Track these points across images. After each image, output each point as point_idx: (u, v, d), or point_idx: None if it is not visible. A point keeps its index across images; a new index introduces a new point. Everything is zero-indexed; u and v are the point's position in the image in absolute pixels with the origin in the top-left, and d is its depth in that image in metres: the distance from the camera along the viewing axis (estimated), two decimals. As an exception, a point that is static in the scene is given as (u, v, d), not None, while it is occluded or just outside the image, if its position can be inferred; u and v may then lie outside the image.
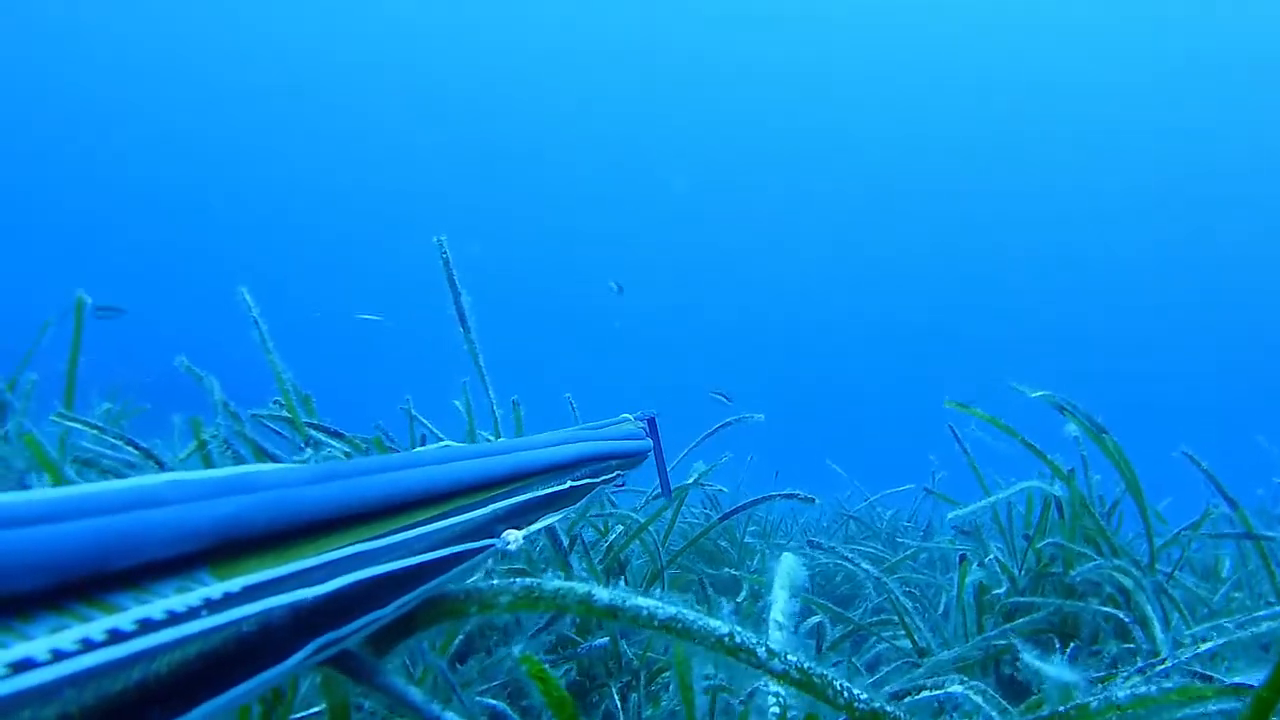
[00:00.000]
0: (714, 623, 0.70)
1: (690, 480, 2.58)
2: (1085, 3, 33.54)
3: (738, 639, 0.68)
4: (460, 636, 1.74)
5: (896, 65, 37.34)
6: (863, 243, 40.14)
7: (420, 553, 0.73)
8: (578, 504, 1.25)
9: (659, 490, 2.48)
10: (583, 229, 42.86)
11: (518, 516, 0.97)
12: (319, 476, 0.64)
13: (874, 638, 2.31)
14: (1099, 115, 35.73)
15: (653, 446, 2.20)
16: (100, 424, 1.87)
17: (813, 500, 2.71)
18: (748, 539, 2.90)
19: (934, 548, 2.73)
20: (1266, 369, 31.06)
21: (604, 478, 1.43)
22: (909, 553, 2.61)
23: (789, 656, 0.68)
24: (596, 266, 42.07)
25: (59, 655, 0.38)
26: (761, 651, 0.68)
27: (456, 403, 2.54)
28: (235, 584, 0.50)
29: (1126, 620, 1.89)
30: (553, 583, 0.74)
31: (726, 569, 2.51)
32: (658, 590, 2.31)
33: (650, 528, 2.31)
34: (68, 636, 0.39)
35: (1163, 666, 1.43)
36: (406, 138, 40.67)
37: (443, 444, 1.01)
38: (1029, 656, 1.05)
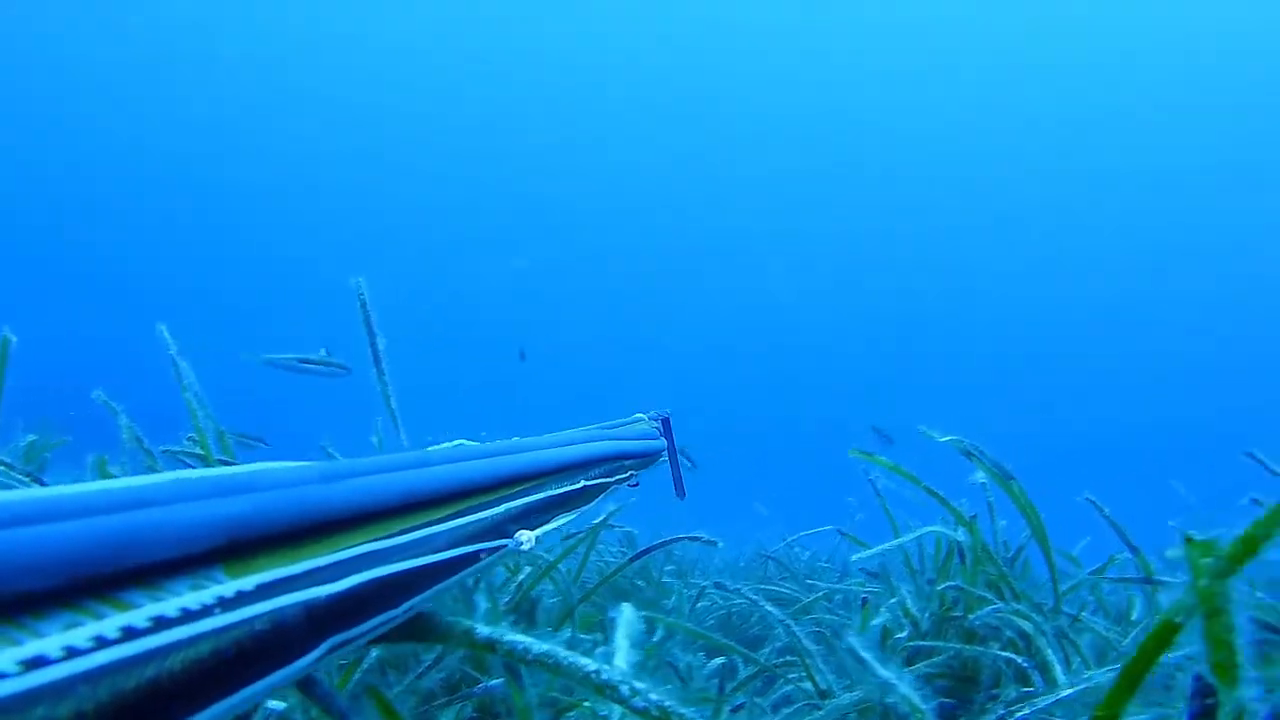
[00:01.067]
0: (583, 660, 0.74)
1: (598, 520, 2.58)
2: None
3: (603, 676, 0.72)
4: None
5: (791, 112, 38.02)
6: (794, 279, 40.46)
7: (433, 552, 0.72)
8: (591, 503, 1.25)
9: (574, 530, 2.47)
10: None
11: (531, 516, 0.97)
12: (332, 475, 0.64)
13: (781, 679, 2.34)
14: (998, 177, 36.89)
15: (666, 446, 2.20)
16: (9, 460, 1.80)
17: (715, 543, 2.74)
18: (665, 578, 2.91)
19: (845, 589, 2.79)
20: (1194, 411, 31.95)
21: (617, 477, 1.44)
22: (821, 594, 2.67)
23: (650, 695, 0.73)
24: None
25: (73, 652, 0.38)
26: (625, 689, 0.72)
27: (373, 438, 2.51)
28: (248, 582, 0.50)
29: (1025, 665, 1.94)
30: (439, 617, 0.75)
31: (642, 610, 2.51)
32: (568, 630, 2.31)
33: (562, 566, 2.30)
34: (81, 634, 0.39)
35: (1045, 701, 1.49)
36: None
37: (456, 443, 1.00)
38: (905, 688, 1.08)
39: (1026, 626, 2.01)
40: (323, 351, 3.84)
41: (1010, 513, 2.30)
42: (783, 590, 2.96)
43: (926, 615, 2.30)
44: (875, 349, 39.17)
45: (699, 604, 2.79)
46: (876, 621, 2.23)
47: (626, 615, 0.99)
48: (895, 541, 2.34)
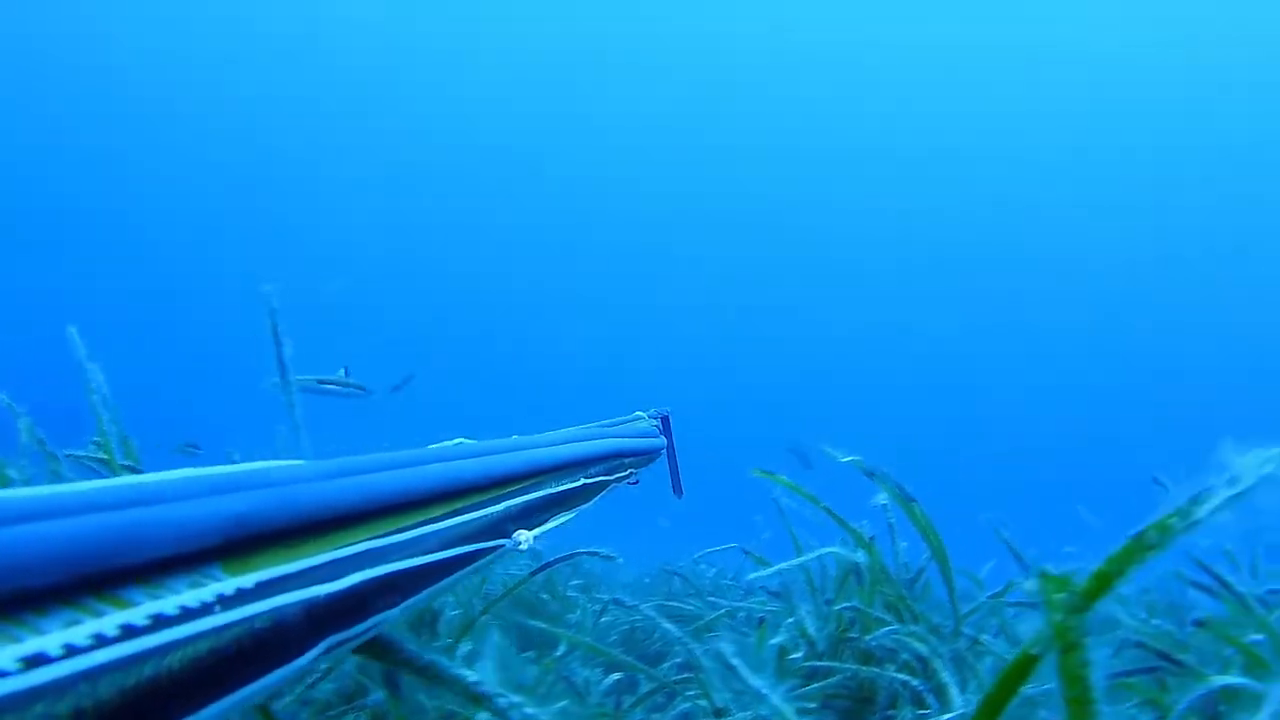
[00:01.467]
0: (465, 672, 0.74)
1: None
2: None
3: (482, 688, 0.73)
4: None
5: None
6: (736, 294, 40.17)
7: (432, 551, 0.72)
8: (590, 502, 1.25)
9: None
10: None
11: (531, 515, 0.96)
12: (331, 472, 0.64)
13: (680, 696, 2.36)
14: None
15: (666, 445, 2.18)
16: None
17: (613, 558, 2.75)
18: (570, 592, 2.91)
19: (748, 607, 2.82)
20: (1111, 433, 32.20)
21: (617, 476, 1.44)
22: (723, 611, 2.70)
23: (526, 709, 0.75)
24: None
25: (72, 650, 0.38)
26: (502, 702, 0.73)
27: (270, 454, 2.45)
28: (248, 580, 0.50)
29: (921, 688, 1.98)
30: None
31: (540, 622, 2.51)
32: (468, 643, 2.29)
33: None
34: (81, 631, 0.39)
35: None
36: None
37: (456, 441, 0.99)
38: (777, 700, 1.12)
39: (923, 649, 2.04)
40: (342, 372, 3.77)
41: (913, 534, 2.34)
42: (686, 607, 2.99)
43: (824, 636, 2.31)
44: (789, 366, 39.27)
45: (603, 619, 2.79)
46: (774, 641, 2.25)
47: (493, 639, 1.00)
48: (793, 561, 2.37)
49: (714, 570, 4.02)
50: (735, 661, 2.14)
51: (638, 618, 2.52)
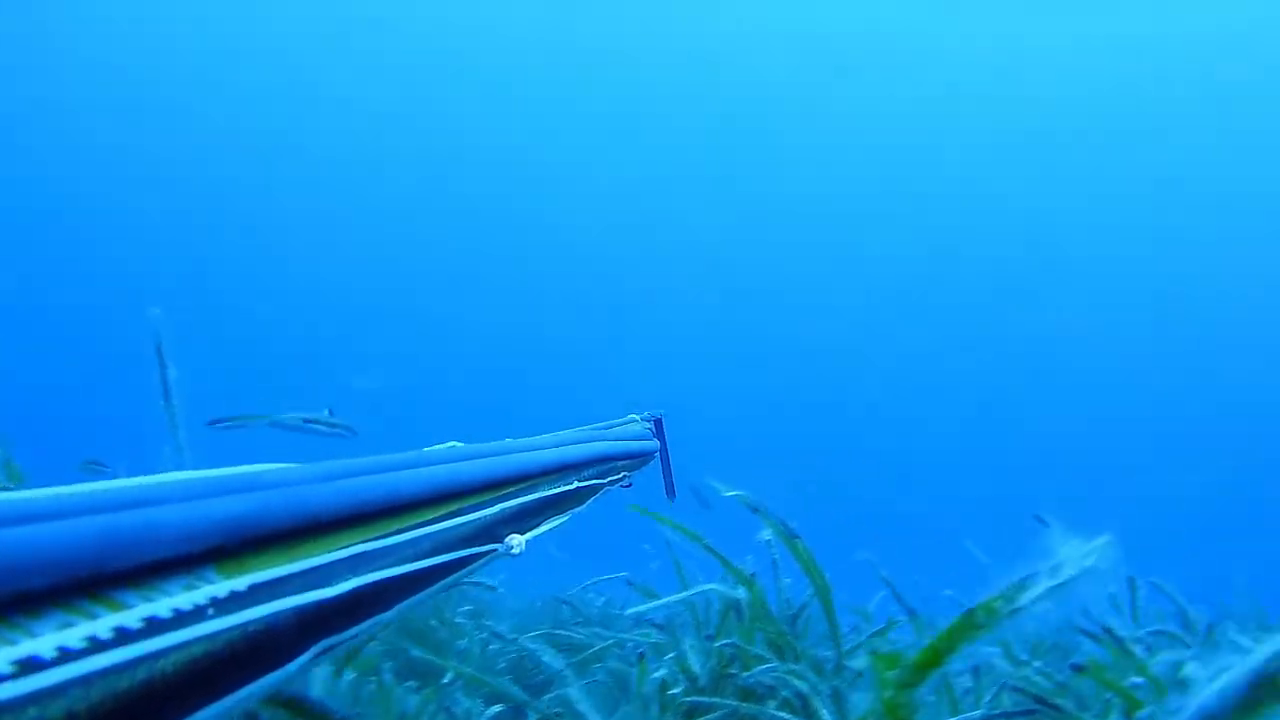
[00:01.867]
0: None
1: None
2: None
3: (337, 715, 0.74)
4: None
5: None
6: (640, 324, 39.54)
7: (426, 553, 0.72)
8: (583, 506, 1.23)
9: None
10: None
11: (524, 518, 0.96)
12: (324, 475, 0.64)
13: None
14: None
15: (659, 447, 2.16)
16: None
17: (493, 588, 2.74)
18: (459, 618, 2.86)
19: (634, 639, 2.82)
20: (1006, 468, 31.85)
21: (610, 478, 1.42)
22: (611, 642, 2.70)
23: None
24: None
25: (65, 653, 0.37)
26: None
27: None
28: (241, 583, 0.49)
29: None
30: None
31: (427, 650, 2.47)
32: (351, 672, 2.24)
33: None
34: (75, 634, 0.38)
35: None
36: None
37: (449, 444, 0.98)
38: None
39: (803, 686, 2.06)
40: (326, 412, 3.66)
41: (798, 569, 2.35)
42: (576, 635, 2.97)
43: (706, 670, 2.31)
44: (685, 398, 38.58)
45: (491, 646, 2.77)
46: (656, 675, 2.26)
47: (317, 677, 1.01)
48: (674, 597, 2.40)
49: (603, 599, 4.00)
50: (582, 707, 2.16)
51: (526, 646, 2.50)
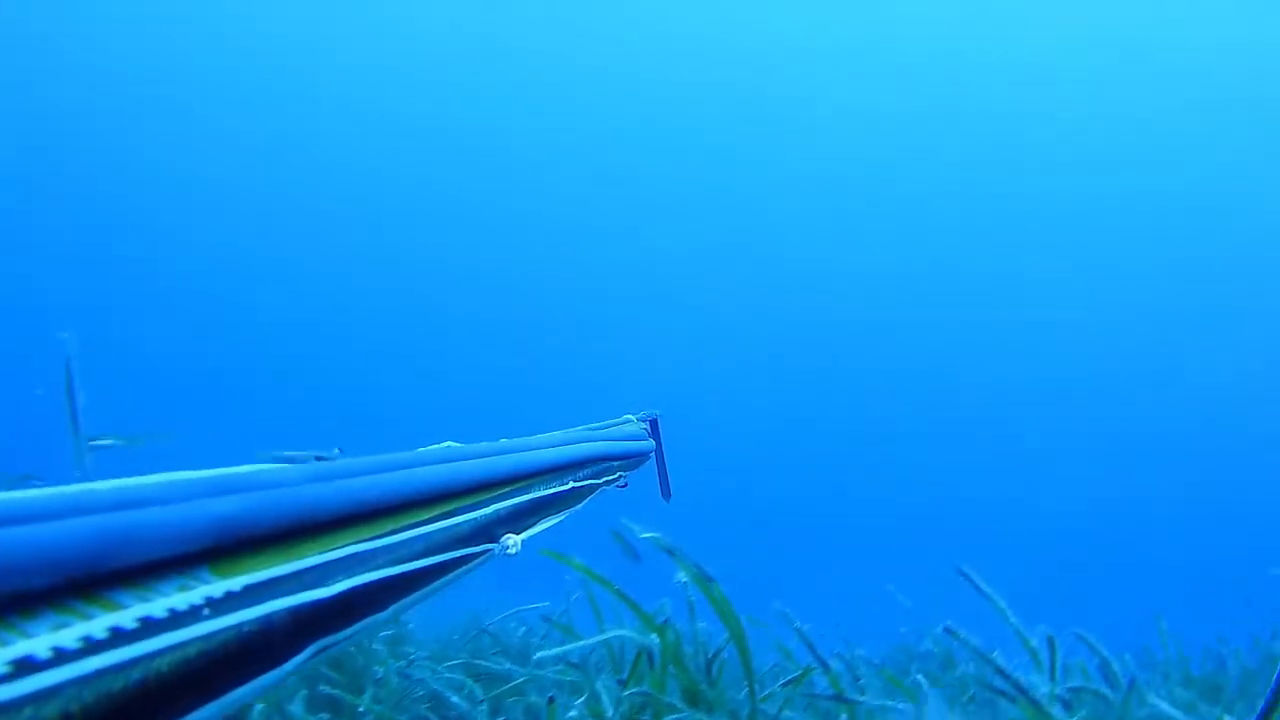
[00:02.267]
0: None
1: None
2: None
3: None
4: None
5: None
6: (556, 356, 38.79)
7: (422, 553, 0.72)
8: (578, 506, 1.23)
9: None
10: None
11: (520, 519, 0.96)
12: (319, 475, 0.64)
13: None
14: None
15: (655, 448, 2.14)
16: None
17: (396, 620, 2.67)
18: (376, 645, 2.78)
19: (551, 676, 2.75)
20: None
21: (605, 479, 1.41)
22: (522, 679, 2.65)
23: None
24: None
25: (60, 653, 0.37)
26: None
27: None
28: (236, 583, 0.49)
29: None
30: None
31: (343, 677, 2.41)
32: (259, 704, 2.17)
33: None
34: (69, 634, 0.38)
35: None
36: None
37: (445, 444, 0.96)
38: None
39: None
40: (336, 451, 3.48)
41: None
42: (496, 666, 2.92)
43: (618, 715, 2.27)
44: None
45: (409, 675, 2.70)
46: (568, 715, 2.24)
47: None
48: (585, 642, 2.37)
49: (524, 629, 3.89)
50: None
51: (444, 676, 2.46)
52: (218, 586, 0.48)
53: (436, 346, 35.78)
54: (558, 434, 1.36)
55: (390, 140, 35.31)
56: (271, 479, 0.59)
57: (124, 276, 31.28)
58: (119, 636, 0.40)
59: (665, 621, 2.29)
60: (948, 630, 2.27)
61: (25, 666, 0.35)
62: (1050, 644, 2.33)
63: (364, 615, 0.65)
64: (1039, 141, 32.90)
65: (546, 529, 1.09)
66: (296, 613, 0.55)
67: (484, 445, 1.02)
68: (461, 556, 0.81)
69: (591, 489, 1.33)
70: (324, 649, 0.60)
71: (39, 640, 0.37)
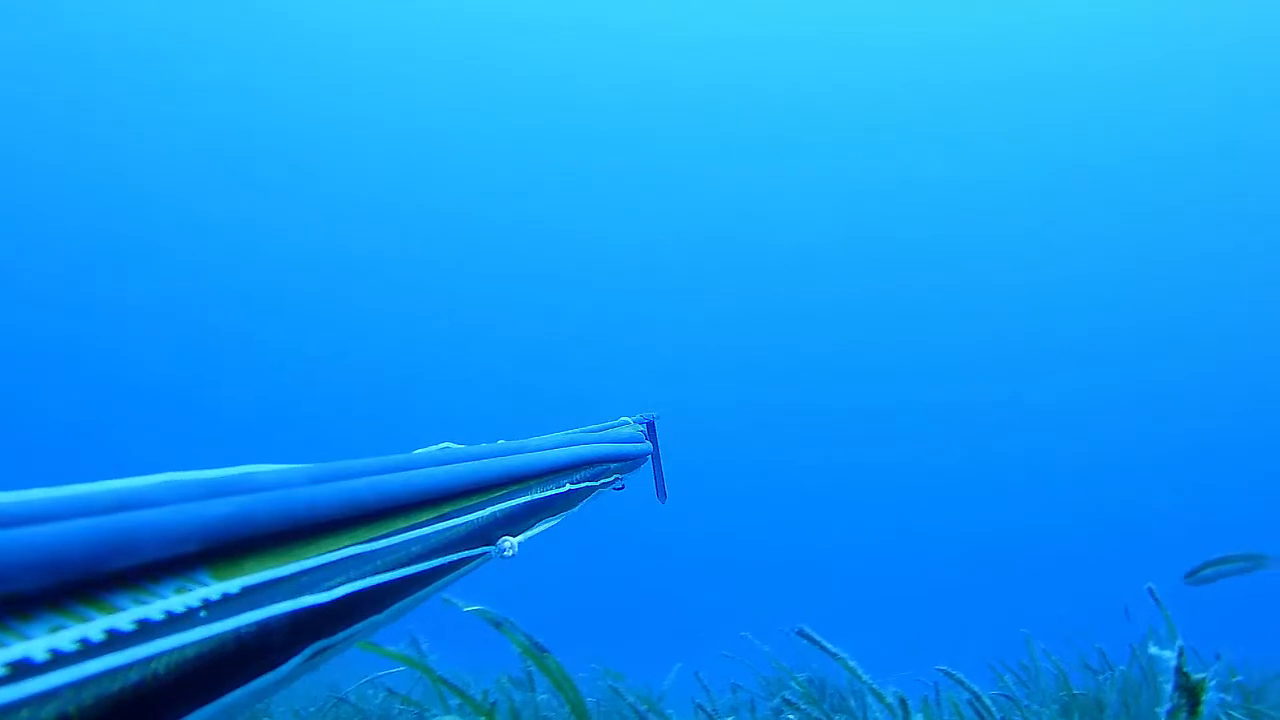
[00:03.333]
0: None
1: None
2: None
3: None
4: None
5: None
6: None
7: (420, 556, 0.72)
8: (575, 508, 1.23)
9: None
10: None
11: (517, 520, 0.96)
12: (318, 477, 0.64)
13: None
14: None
15: (651, 450, 2.14)
16: None
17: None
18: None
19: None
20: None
21: (602, 481, 1.42)
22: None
23: None
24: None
25: (57, 655, 0.37)
26: None
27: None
28: (234, 585, 0.49)
29: None
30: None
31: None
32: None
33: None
34: (67, 637, 0.38)
35: None
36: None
37: (442, 445, 0.96)
38: None
39: None
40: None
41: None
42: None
43: None
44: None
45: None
46: None
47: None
48: None
49: (382, 695, 3.56)
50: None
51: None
52: (215, 589, 0.48)
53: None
54: (555, 436, 1.36)
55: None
56: (269, 481, 0.59)
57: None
58: (116, 639, 0.40)
59: (493, 705, 2.23)
60: (786, 701, 2.26)
61: (22, 669, 0.35)
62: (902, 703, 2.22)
63: (362, 617, 0.65)
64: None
65: (543, 531, 1.09)
66: (294, 615, 0.54)
67: (482, 447, 1.02)
68: (460, 559, 0.81)
69: (589, 491, 1.33)
70: (321, 651, 0.60)
71: (36, 643, 0.37)
